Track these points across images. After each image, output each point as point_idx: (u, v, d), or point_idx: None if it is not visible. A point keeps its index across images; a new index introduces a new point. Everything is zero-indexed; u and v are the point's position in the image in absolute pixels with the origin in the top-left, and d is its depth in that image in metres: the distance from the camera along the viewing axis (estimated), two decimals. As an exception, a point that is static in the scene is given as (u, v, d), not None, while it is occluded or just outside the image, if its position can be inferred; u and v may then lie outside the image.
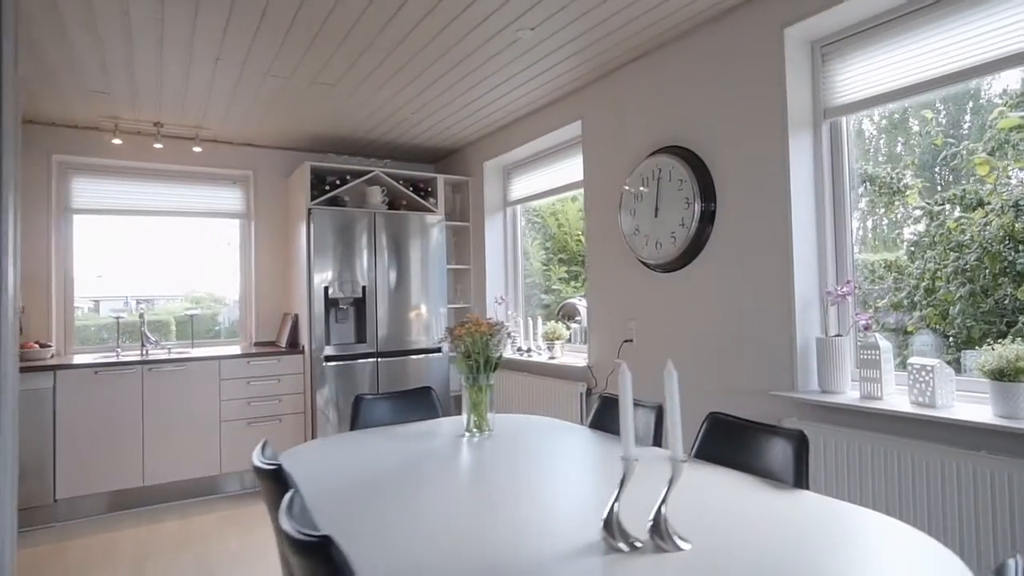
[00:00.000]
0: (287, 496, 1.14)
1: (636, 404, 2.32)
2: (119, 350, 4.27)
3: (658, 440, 2.11)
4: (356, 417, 2.51)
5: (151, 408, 3.86)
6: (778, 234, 2.52)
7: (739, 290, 2.70)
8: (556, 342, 3.97)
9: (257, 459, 1.55)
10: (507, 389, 4.35)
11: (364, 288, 4.35)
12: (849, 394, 2.34)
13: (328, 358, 4.20)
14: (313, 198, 4.34)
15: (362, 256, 4.35)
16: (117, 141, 4.15)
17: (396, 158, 5.25)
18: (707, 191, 2.80)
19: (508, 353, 4.34)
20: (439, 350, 4.65)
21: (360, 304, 4.36)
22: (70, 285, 4.34)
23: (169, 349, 4.40)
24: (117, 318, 4.40)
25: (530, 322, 4.28)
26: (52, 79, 3.29)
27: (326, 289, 4.22)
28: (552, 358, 3.96)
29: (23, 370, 3.45)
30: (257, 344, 4.75)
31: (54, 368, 3.61)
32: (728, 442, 1.83)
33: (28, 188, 4.05)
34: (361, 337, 4.36)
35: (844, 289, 2.42)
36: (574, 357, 3.88)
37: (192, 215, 4.75)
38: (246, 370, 4.15)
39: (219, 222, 4.88)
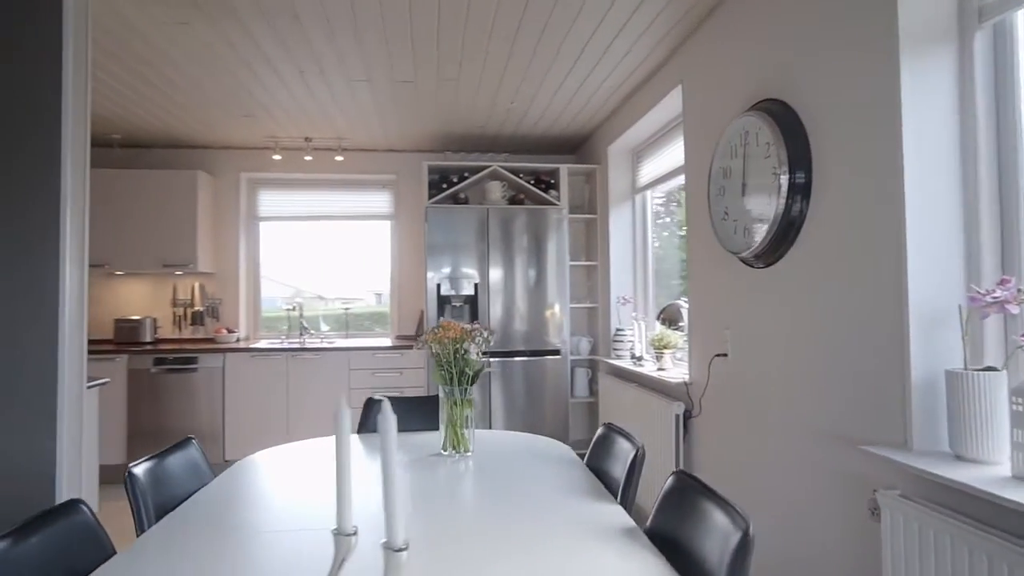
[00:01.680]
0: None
1: (622, 436, 1.81)
2: (284, 337, 4.90)
3: (628, 495, 1.59)
4: (365, 419, 2.43)
5: (294, 390, 4.33)
6: (889, 212, 1.71)
7: (836, 292, 1.92)
8: (665, 351, 3.38)
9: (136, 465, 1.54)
10: (614, 399, 3.88)
11: (476, 286, 4.28)
12: (1001, 468, 1.46)
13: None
14: (431, 196, 4.42)
15: (476, 253, 4.28)
16: (277, 157, 4.76)
17: (519, 151, 5.06)
18: (798, 156, 2.06)
19: (625, 363, 3.87)
20: (557, 352, 4.36)
21: (473, 302, 4.31)
22: (257, 281, 5.12)
23: (322, 339, 4.91)
24: (288, 310, 5.07)
25: (642, 327, 3.73)
26: (210, 108, 3.88)
27: (438, 286, 4.26)
28: (661, 369, 3.39)
29: (206, 351, 4.17)
30: (398, 337, 5.03)
31: (224, 351, 4.28)
32: (680, 516, 1.27)
33: (222, 201, 4.88)
34: (474, 335, 4.29)
35: (1003, 292, 1.53)
36: (683, 370, 3.26)
37: (352, 218, 5.22)
38: (372, 362, 4.41)
39: (375, 224, 5.29)
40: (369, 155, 5.05)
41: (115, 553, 1.24)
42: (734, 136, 2.42)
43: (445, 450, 1.99)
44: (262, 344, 4.60)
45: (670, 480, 1.37)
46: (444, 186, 4.49)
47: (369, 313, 5.48)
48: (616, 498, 1.61)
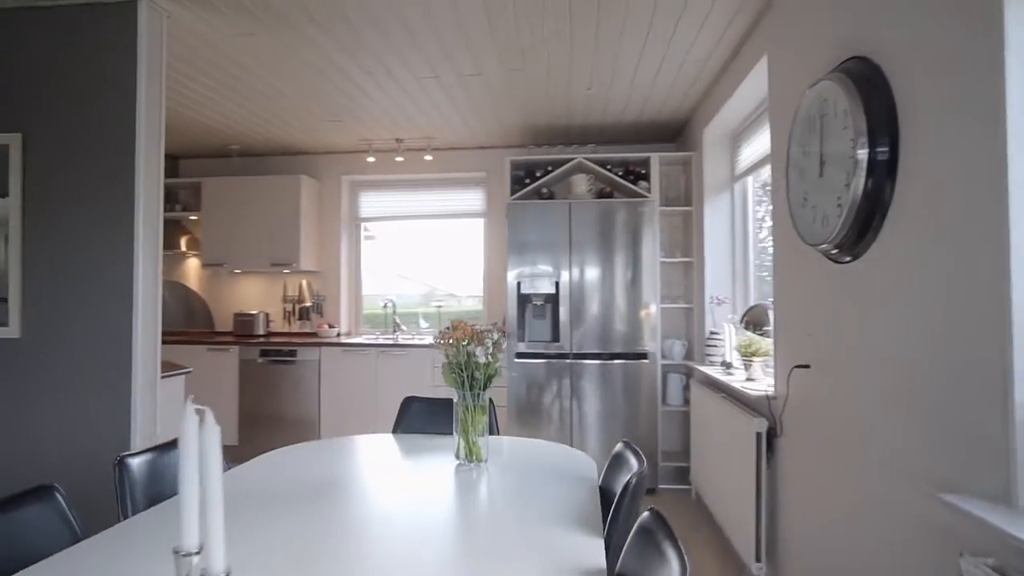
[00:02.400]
0: None
1: (634, 455, 1.57)
2: (377, 333, 5.08)
3: (615, 527, 1.36)
4: (400, 419, 2.38)
5: (382, 383, 4.47)
6: (988, 192, 1.30)
7: (925, 293, 1.51)
8: (755, 358, 2.98)
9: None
10: (701, 410, 3.51)
11: (557, 284, 4.10)
12: None
13: (519, 355, 4.12)
14: (514, 192, 4.31)
15: (558, 250, 4.10)
16: (371, 159, 4.93)
17: (609, 142, 4.76)
18: (881, 125, 1.65)
19: (715, 372, 3.49)
20: (644, 356, 4.04)
21: (554, 301, 4.13)
22: (358, 279, 5.37)
23: (414, 336, 5.02)
24: (384, 306, 5.25)
25: (731, 330, 3.32)
26: (302, 115, 4.11)
27: (518, 285, 4.14)
28: (750, 380, 2.99)
29: (304, 345, 4.44)
30: (488, 336, 4.99)
31: (320, 345, 4.53)
32: (640, 561, 1.04)
33: (326, 203, 5.18)
34: (555, 336, 4.13)
35: None
36: (771, 381, 2.83)
37: (446, 217, 5.29)
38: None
39: (469, 222, 5.30)
40: (459, 153, 5.06)
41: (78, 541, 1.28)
42: (812, 106, 2.03)
43: (458, 458, 1.87)
44: (355, 339, 4.80)
45: (642, 517, 1.13)
46: (528, 181, 4.36)
47: (464, 311, 5.51)
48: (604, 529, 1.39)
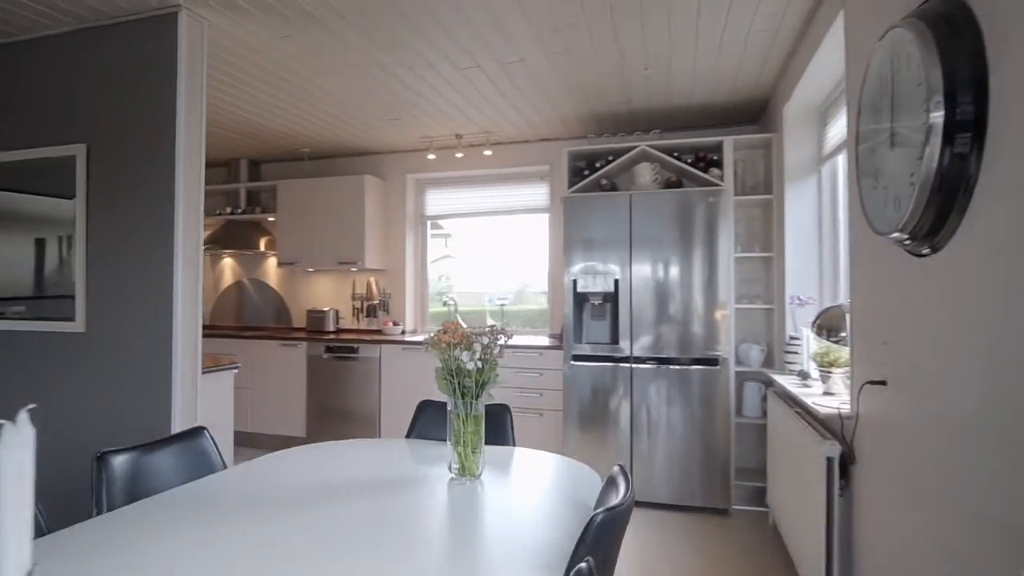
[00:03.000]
0: None
1: (625, 484, 1.31)
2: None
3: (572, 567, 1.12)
4: (415, 423, 2.25)
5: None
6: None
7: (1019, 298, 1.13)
8: (832, 369, 2.55)
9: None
10: (774, 425, 3.09)
11: (616, 282, 3.81)
12: None
13: (576, 357, 3.88)
14: (572, 185, 4.07)
15: (617, 246, 3.81)
16: (431, 156, 4.88)
17: (679, 127, 4.36)
18: (964, 78, 1.28)
19: (791, 383, 3.08)
20: (715, 362, 3.65)
21: (613, 300, 3.84)
22: (424, 277, 5.36)
23: (476, 335, 4.91)
24: (444, 304, 5.20)
25: (809, 336, 2.88)
26: (359, 115, 4.12)
27: (574, 283, 3.89)
28: (828, 393, 2.57)
29: (366, 342, 4.48)
30: (552, 336, 4.80)
31: (380, 342, 4.54)
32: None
33: (392, 202, 5.21)
34: (614, 338, 3.84)
35: None
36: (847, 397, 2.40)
37: (511, 213, 5.14)
38: (511, 360, 4.25)
39: (533, 217, 5.12)
40: (520, 147, 4.89)
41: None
42: (882, 63, 1.64)
43: (451, 471, 1.70)
44: (412, 337, 4.77)
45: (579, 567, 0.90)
46: (587, 173, 4.10)
47: (529, 310, 5.34)
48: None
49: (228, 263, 5.68)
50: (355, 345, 4.60)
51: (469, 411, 1.66)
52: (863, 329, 2.04)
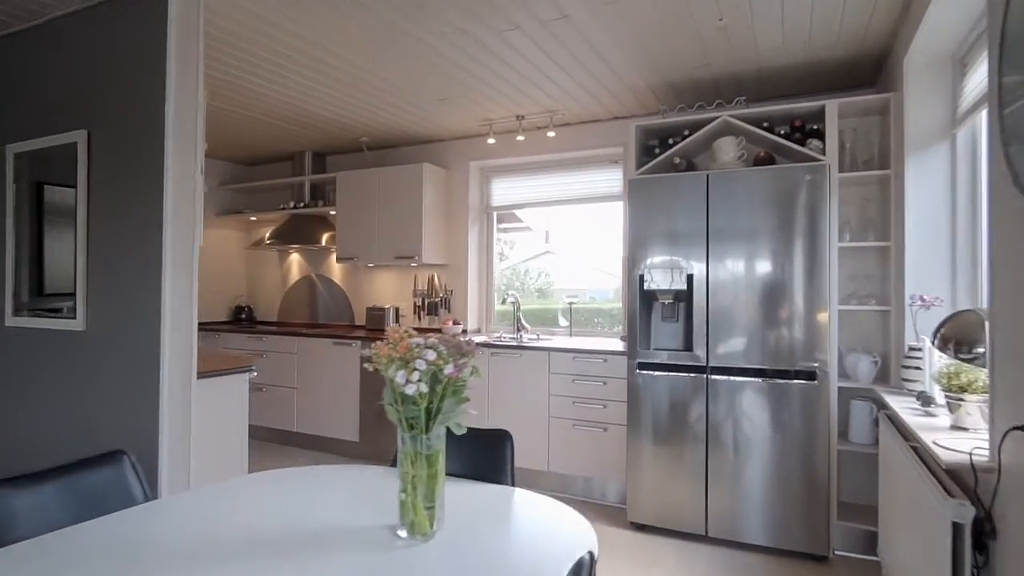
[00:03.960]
0: None
1: None
2: (500, 333, 4.67)
3: None
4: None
5: (494, 388, 4.04)
6: None
7: None
8: (964, 396, 1.89)
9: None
10: (887, 461, 2.43)
11: (691, 278, 3.24)
12: None
13: (643, 366, 3.35)
14: (641, 166, 3.54)
15: (691, 235, 3.24)
16: (491, 140, 4.51)
17: (772, 95, 3.65)
18: None
19: (908, 408, 2.42)
20: (811, 375, 3.00)
21: (687, 299, 3.28)
22: (489, 272, 5.03)
23: (538, 335, 4.50)
24: (503, 301, 4.83)
25: (931, 350, 2.19)
26: (408, 98, 3.84)
27: (641, 279, 3.37)
28: (958, 427, 1.92)
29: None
30: (624, 339, 4.28)
31: (433, 343, 4.26)
32: None
33: (454, 192, 4.92)
34: (687, 343, 3.27)
35: None
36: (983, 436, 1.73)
37: (582, 202, 4.67)
38: (571, 366, 3.80)
39: (609, 207, 4.62)
40: (590, 127, 4.40)
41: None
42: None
43: (400, 529, 1.31)
44: (470, 338, 4.44)
45: None
46: (658, 152, 3.56)
47: (600, 309, 4.85)
48: None
49: (295, 258, 5.68)
50: (408, 344, 4.35)
51: (422, 448, 1.26)
52: (1010, 345, 1.42)
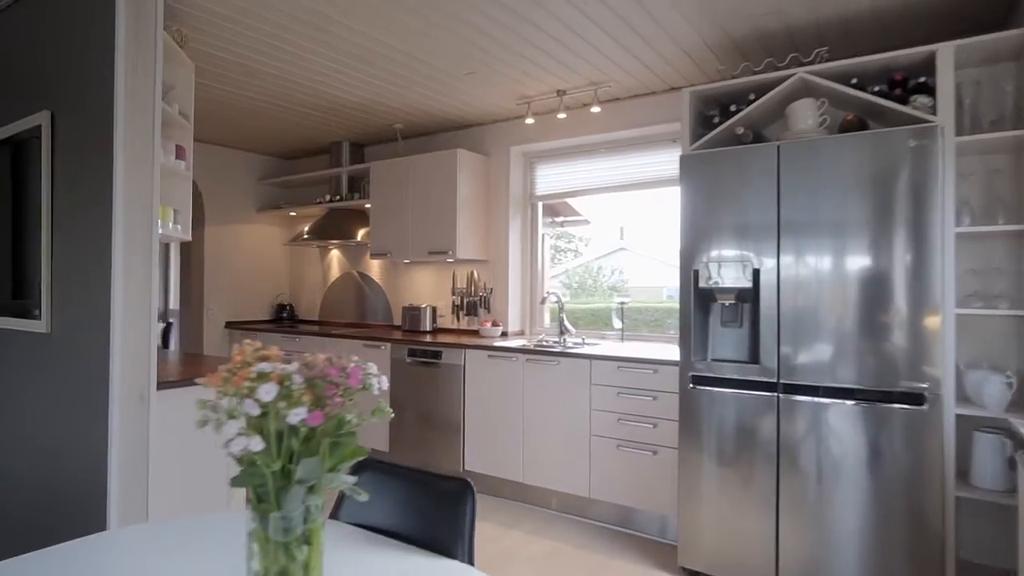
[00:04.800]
0: None
1: None
2: (543, 336, 4.19)
3: None
4: (341, 499, 1.45)
5: (530, 400, 3.58)
6: None
7: None
8: None
9: None
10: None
11: (757, 274, 2.63)
12: None
13: (698, 379, 2.78)
14: (696, 139, 2.96)
15: (758, 220, 2.63)
16: (529, 120, 4.03)
17: (855, 50, 2.93)
18: None
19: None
20: (919, 399, 2.32)
21: (752, 299, 2.68)
22: (535, 269, 4.56)
23: (583, 339, 3.99)
24: (542, 301, 4.35)
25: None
26: (432, 72, 3.45)
27: (695, 275, 2.79)
28: None
29: (450, 346, 3.83)
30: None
31: (464, 347, 3.85)
32: None
33: (493, 180, 4.48)
34: (753, 354, 2.67)
35: None
36: None
37: (635, 188, 4.12)
38: (615, 377, 3.27)
39: (666, 192, 4.04)
40: (644, 102, 3.84)
41: None
42: None
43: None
44: (506, 342, 3.98)
45: None
46: (717, 121, 2.96)
47: (655, 308, 4.27)
48: None
49: (335, 255, 5.44)
50: (437, 349, 3.96)
51: (271, 533, 0.82)
52: None
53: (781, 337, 2.57)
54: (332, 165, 5.06)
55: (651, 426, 3.16)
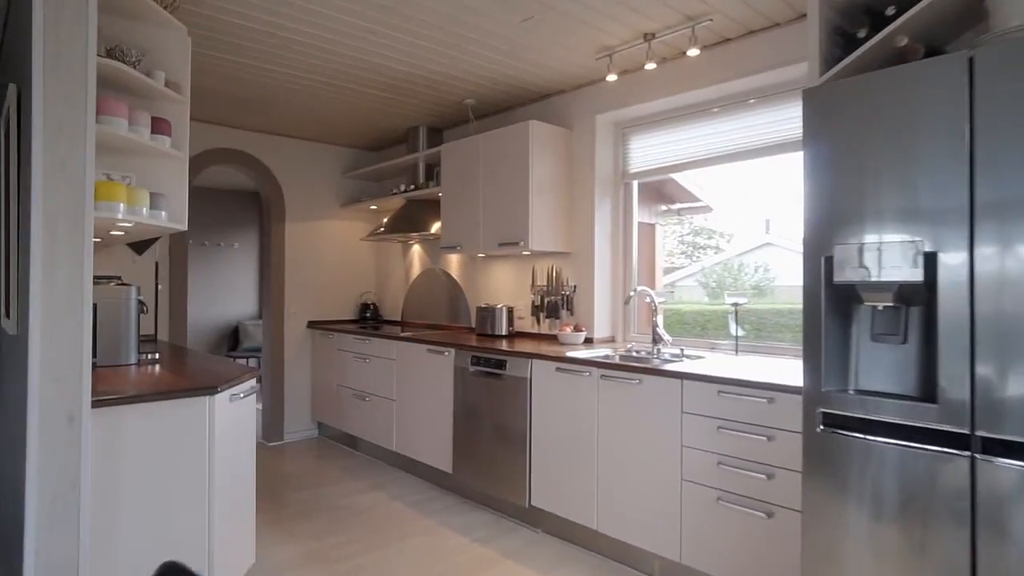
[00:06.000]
0: None
1: None
2: (631, 345, 3.39)
3: None
4: None
5: (605, 426, 2.83)
6: None
7: None
8: None
9: None
10: None
11: (931, 260, 1.67)
12: None
13: (831, 420, 1.86)
14: (830, 67, 2.02)
15: (934, 180, 1.67)
16: (611, 77, 3.24)
17: None
18: None
19: None
20: None
21: (926, 303, 1.71)
22: (628, 264, 3.77)
23: (682, 349, 3.14)
24: (626, 301, 3.52)
25: None
26: (485, 23, 2.83)
27: (827, 263, 1.88)
28: None
29: (515, 355, 3.18)
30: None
31: (530, 357, 3.18)
32: None
33: (576, 157, 3.76)
34: (927, 386, 1.71)
35: None
36: None
37: (757, 155, 3.18)
38: (715, 404, 2.42)
39: (794, 158, 3.07)
40: (762, 38, 2.90)
41: None
42: None
43: None
44: (583, 352, 3.23)
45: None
46: (860, 36, 2.00)
47: (778, 309, 3.29)
48: None
49: (416, 250, 5.03)
50: (501, 358, 3.33)
51: None
52: None
53: (976, 361, 1.59)
54: (409, 152, 4.65)
55: (764, 477, 2.26)
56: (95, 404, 1.75)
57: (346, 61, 3.27)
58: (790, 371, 2.46)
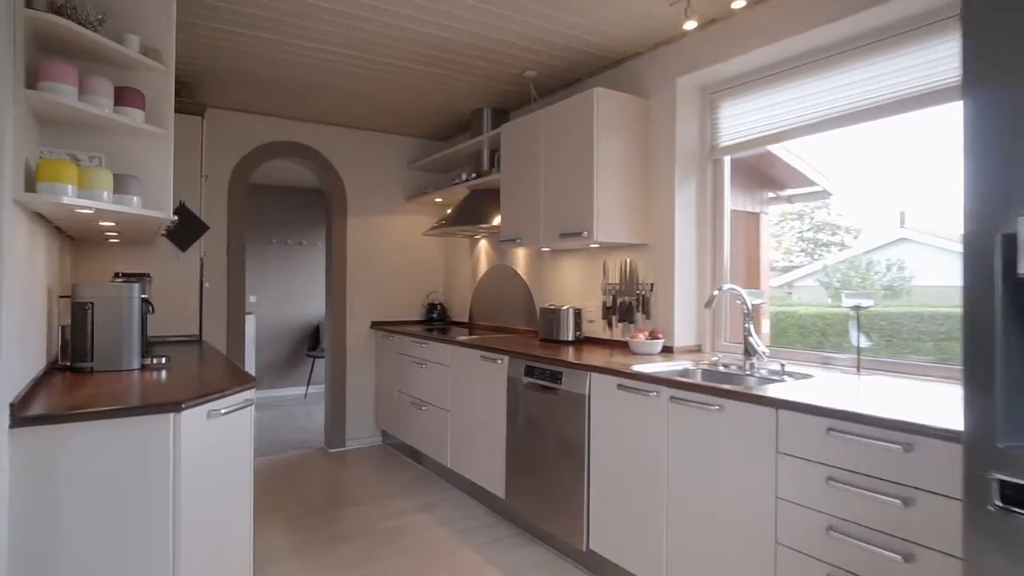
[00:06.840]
0: None
1: None
2: (718, 357, 2.73)
3: None
4: None
5: (676, 462, 2.23)
6: None
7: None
8: None
9: None
10: None
11: None
12: None
13: (1012, 490, 1.18)
14: (1010, -54, 1.31)
15: None
16: (689, 24, 2.59)
17: None
18: None
19: None
20: None
21: None
22: (718, 259, 3.12)
23: (782, 365, 2.45)
24: (707, 304, 2.85)
25: None
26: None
27: (1007, 244, 1.19)
28: None
29: (574, 366, 2.66)
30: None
31: (589, 369, 2.64)
32: None
33: (653, 129, 3.16)
34: None
35: None
36: None
37: (891, 112, 2.43)
38: (824, 445, 1.75)
39: (929, 116, 2.29)
40: (893, -53, 2.16)
41: None
42: None
43: None
44: (656, 366, 2.63)
45: None
46: None
47: (917, 312, 2.50)
48: None
49: (483, 245, 4.62)
50: (557, 370, 2.82)
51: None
52: None
53: None
54: (473, 137, 4.25)
55: (899, 558, 1.58)
56: (26, 423, 1.48)
57: (385, 31, 2.92)
58: (935, 400, 1.74)
